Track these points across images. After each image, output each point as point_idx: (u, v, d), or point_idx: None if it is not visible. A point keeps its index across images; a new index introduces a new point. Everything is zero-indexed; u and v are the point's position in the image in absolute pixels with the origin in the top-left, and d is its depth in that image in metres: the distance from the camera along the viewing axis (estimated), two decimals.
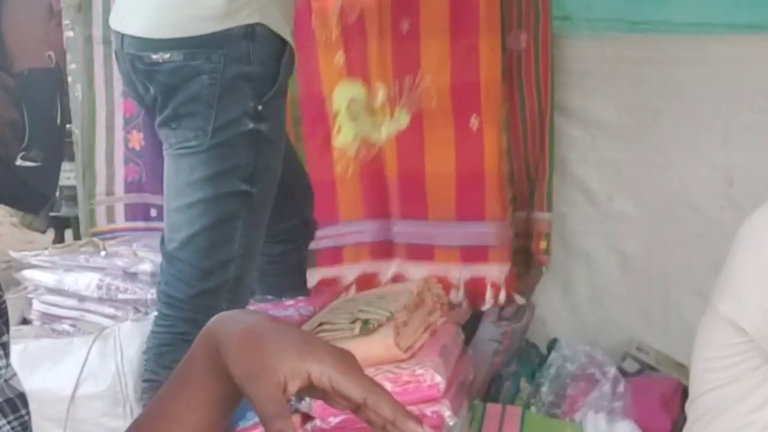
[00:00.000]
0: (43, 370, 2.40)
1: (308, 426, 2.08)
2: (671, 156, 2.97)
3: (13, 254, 2.80)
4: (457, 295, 2.87)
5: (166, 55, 2.09)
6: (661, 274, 3.04)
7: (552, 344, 2.77)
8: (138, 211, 3.21)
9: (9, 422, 0.91)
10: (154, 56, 2.10)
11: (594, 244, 3.07)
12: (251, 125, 2.09)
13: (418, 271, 2.90)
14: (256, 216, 2.14)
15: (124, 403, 2.35)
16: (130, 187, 3.22)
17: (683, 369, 2.58)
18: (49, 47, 0.85)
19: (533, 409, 2.42)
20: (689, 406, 2.00)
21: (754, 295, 1.79)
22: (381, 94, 2.88)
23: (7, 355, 0.93)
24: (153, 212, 3.13)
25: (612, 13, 2.93)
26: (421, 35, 2.82)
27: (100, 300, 2.61)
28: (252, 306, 2.47)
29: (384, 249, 2.97)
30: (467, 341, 2.52)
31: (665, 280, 3.03)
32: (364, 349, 2.08)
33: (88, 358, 2.41)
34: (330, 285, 2.95)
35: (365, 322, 2.13)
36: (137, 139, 3.18)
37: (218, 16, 2.07)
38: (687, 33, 2.86)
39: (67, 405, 2.37)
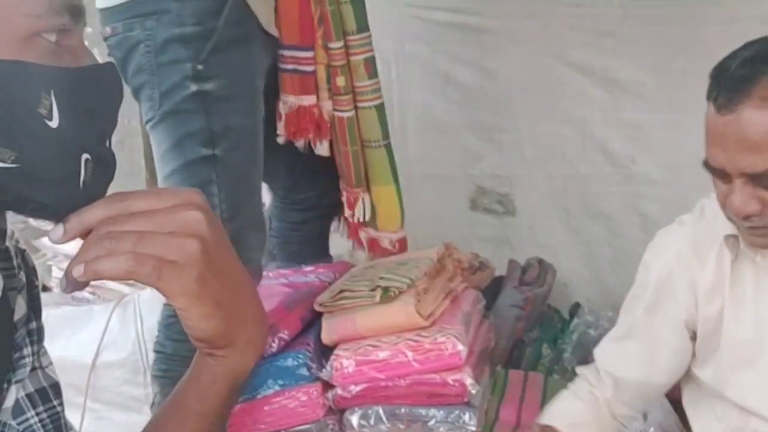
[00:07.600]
0: (64, 338, 2.41)
1: (329, 394, 2.07)
2: (693, 118, 2.87)
3: (32, 221, 2.78)
4: None
5: (113, 27, 2.03)
6: None
7: (574, 309, 2.74)
8: None
9: (38, 413, 0.88)
10: (107, 30, 2.05)
11: (616, 206, 3.03)
12: (194, 87, 1.99)
13: None
14: (232, 177, 2.02)
15: (144, 372, 2.34)
16: None
17: None
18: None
19: (555, 375, 2.39)
20: None
21: None
22: None
23: (38, 341, 0.91)
24: None
25: None
26: None
27: None
28: (271, 272, 2.46)
29: None
30: (488, 307, 2.49)
31: None
32: (385, 316, 2.08)
33: (108, 326, 2.41)
34: None
35: (386, 289, 2.11)
36: None
37: None
38: None
39: (88, 373, 2.38)
